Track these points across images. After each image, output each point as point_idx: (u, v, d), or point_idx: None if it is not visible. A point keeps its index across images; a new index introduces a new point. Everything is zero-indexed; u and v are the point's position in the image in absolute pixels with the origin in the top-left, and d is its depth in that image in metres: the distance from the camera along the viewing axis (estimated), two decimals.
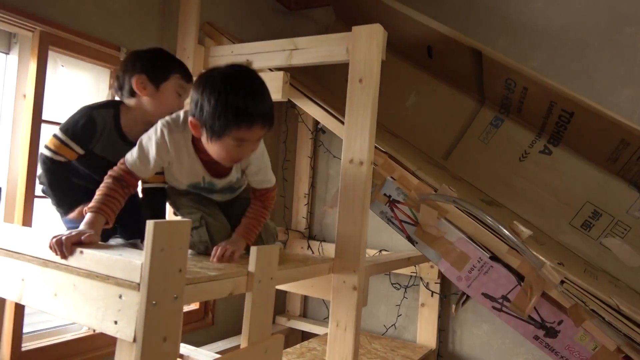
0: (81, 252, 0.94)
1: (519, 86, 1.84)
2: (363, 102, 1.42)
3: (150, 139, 1.15)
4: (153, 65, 1.27)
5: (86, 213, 1.06)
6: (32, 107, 1.54)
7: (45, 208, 1.69)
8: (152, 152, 1.14)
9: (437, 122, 2.21)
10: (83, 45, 1.68)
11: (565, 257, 1.62)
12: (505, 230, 1.27)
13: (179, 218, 1.29)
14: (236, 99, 1.04)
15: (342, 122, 1.50)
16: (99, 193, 1.09)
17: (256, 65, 1.71)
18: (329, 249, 2.47)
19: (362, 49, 1.44)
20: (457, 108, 2.18)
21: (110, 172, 1.13)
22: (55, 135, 1.22)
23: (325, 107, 1.65)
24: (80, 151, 1.24)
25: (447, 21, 2.29)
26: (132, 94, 1.26)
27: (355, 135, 1.42)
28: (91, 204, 1.07)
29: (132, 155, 1.14)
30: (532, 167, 2.01)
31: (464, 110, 2.17)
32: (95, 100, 1.81)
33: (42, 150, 1.23)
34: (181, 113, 1.19)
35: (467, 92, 2.16)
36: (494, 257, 1.31)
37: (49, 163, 1.22)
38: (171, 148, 1.15)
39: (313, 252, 2.52)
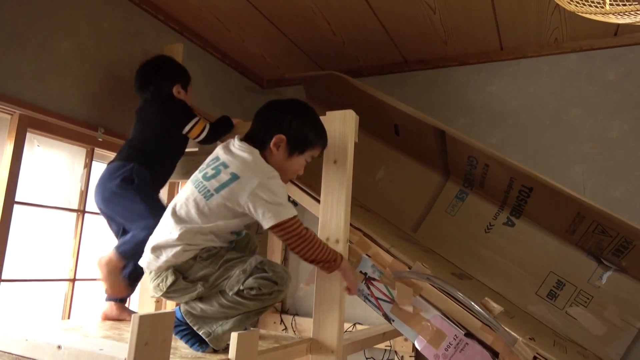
0: (59, 347, 0.92)
1: (481, 163, 1.97)
2: (338, 183, 1.49)
3: (282, 189, 1.23)
4: (184, 75, 1.80)
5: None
6: (5, 188, 1.53)
7: (9, 295, 1.63)
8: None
9: (406, 195, 2.30)
10: (62, 126, 1.70)
11: (534, 329, 1.67)
12: (477, 307, 1.32)
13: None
14: (321, 123, 1.38)
15: (318, 201, 1.55)
16: (325, 246, 1.27)
17: None
18: (302, 323, 2.44)
19: (336, 132, 1.52)
20: (424, 182, 2.29)
21: (307, 230, 1.23)
22: (194, 125, 1.67)
23: (302, 186, 1.71)
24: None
25: (411, 101, 2.46)
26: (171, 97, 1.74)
27: (331, 215, 1.47)
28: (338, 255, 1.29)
29: (290, 209, 1.20)
30: (497, 239, 2.10)
31: (431, 184, 2.28)
32: (70, 179, 1.82)
33: (201, 138, 1.70)
34: (255, 157, 1.25)
35: (433, 167, 2.28)
36: (469, 334, 1.34)
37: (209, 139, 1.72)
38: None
39: (286, 327, 2.48)
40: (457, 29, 2.18)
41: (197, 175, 1.27)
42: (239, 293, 1.16)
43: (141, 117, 1.70)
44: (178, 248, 1.16)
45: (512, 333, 1.28)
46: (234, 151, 1.26)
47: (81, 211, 1.81)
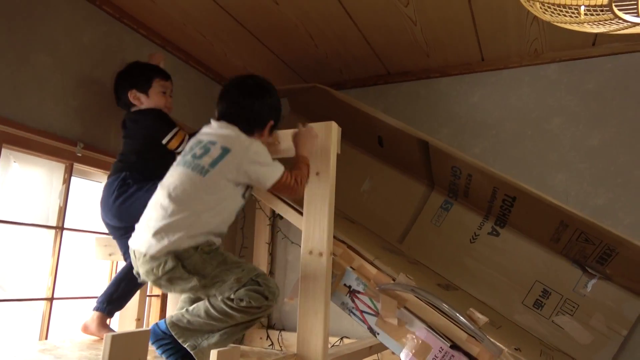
0: None
1: (464, 173, 1.97)
2: (321, 195, 1.47)
3: (267, 151, 1.35)
4: (138, 77, 1.71)
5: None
6: None
7: None
8: None
9: (391, 206, 2.30)
10: (39, 142, 1.67)
11: (521, 339, 1.66)
12: (462, 318, 1.31)
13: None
14: None
15: (301, 213, 1.54)
16: (303, 175, 1.41)
17: None
18: (289, 338, 2.41)
19: (318, 144, 1.51)
20: (409, 193, 2.29)
21: (295, 179, 1.36)
22: (173, 136, 1.62)
23: (285, 198, 1.69)
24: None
25: (395, 113, 2.47)
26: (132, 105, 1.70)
27: (314, 227, 1.46)
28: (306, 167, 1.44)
29: (279, 166, 1.34)
30: (483, 249, 2.09)
31: (416, 194, 2.28)
32: (49, 195, 1.78)
33: (180, 149, 1.59)
34: (236, 132, 1.34)
35: (418, 177, 2.28)
36: (455, 346, 1.33)
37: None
38: None
39: (272, 343, 2.44)
40: (438, 40, 2.20)
41: (184, 158, 1.31)
42: (228, 300, 1.17)
43: (124, 130, 1.71)
44: (181, 233, 1.17)
45: (498, 344, 1.27)
46: (214, 131, 1.35)
47: (60, 228, 1.78)
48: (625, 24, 1.13)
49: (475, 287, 2.05)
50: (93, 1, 1.91)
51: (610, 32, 1.19)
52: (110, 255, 1.80)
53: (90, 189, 2.00)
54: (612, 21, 1.11)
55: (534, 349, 1.59)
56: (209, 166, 1.24)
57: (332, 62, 2.47)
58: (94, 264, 1.97)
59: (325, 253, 1.41)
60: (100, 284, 1.98)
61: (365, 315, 1.44)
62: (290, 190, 1.36)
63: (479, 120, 2.37)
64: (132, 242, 1.24)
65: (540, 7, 1.14)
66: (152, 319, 2.13)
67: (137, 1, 1.97)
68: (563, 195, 2.13)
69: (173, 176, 1.27)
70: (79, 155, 1.79)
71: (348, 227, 1.97)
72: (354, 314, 1.46)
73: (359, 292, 1.46)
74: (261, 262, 2.57)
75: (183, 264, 1.17)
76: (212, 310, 1.18)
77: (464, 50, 2.28)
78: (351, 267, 1.51)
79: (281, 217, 2.61)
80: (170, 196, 1.21)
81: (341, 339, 2.34)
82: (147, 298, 2.04)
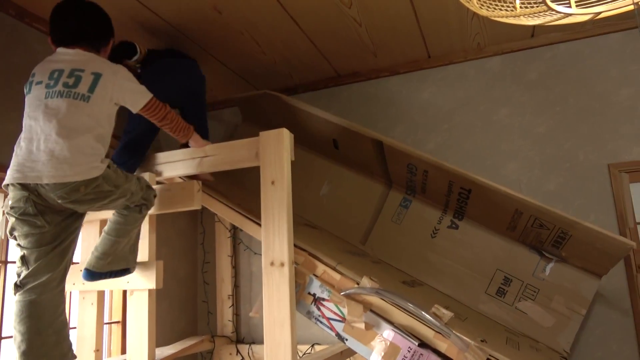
0: None
1: (420, 170, 1.99)
2: (277, 203, 1.45)
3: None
4: None
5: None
6: None
7: None
8: None
9: (351, 208, 2.29)
10: None
11: (487, 329, 1.69)
12: (427, 316, 1.31)
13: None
14: None
15: (259, 224, 1.50)
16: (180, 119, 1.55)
17: (166, 174, 1.69)
18: (259, 351, 2.36)
19: (271, 152, 1.49)
20: (368, 193, 2.29)
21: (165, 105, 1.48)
22: None
23: (241, 211, 1.65)
24: None
25: (348, 114, 2.48)
26: None
27: (273, 237, 1.43)
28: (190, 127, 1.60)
29: (149, 92, 1.43)
30: (444, 242, 2.12)
31: (374, 194, 2.28)
32: None
33: None
34: (95, 55, 1.40)
35: (375, 177, 2.29)
36: (423, 344, 1.33)
37: None
38: None
39: (243, 358, 2.38)
40: (384, 40, 2.21)
41: (51, 90, 1.27)
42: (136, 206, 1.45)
43: None
44: (93, 157, 1.28)
45: (464, 338, 1.28)
46: (73, 58, 1.33)
47: (3, 262, 1.67)
48: (559, 15, 1.16)
49: (439, 281, 2.07)
50: (21, 19, 1.81)
51: (545, 24, 1.22)
52: None
53: None
54: (546, 13, 1.14)
55: (500, 338, 1.61)
56: (89, 92, 1.28)
57: (282, 68, 2.45)
58: None
59: (287, 263, 1.39)
60: None
61: (332, 322, 1.42)
62: (160, 114, 1.44)
63: (430, 116, 2.40)
64: (35, 176, 1.21)
65: (477, 3, 1.16)
66: (113, 348, 2.03)
67: None
68: (516, 184, 2.19)
69: (54, 107, 1.25)
70: None
71: (309, 234, 1.95)
72: (321, 322, 1.44)
73: (324, 299, 1.44)
74: (225, 275, 2.51)
75: (106, 181, 1.29)
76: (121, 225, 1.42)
77: (410, 48, 2.31)
78: (314, 275, 1.49)
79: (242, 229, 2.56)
80: (65, 127, 1.23)
81: (312, 346, 2.31)
82: (106, 326, 1.95)
